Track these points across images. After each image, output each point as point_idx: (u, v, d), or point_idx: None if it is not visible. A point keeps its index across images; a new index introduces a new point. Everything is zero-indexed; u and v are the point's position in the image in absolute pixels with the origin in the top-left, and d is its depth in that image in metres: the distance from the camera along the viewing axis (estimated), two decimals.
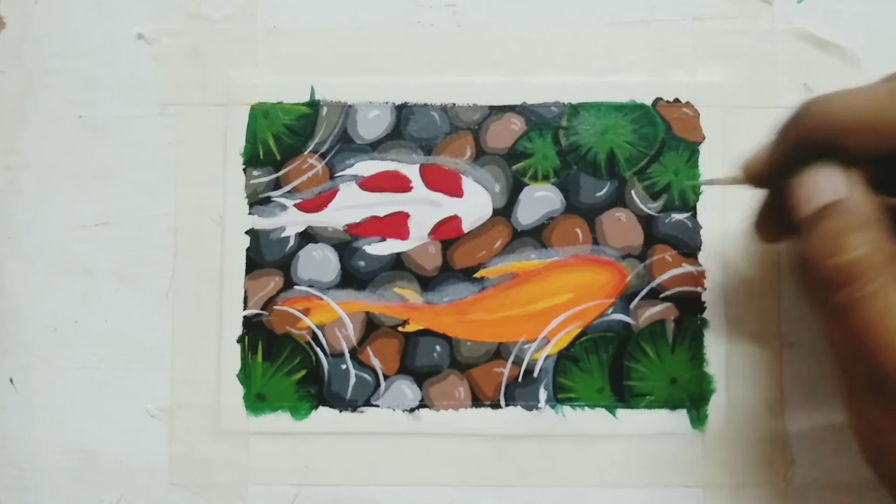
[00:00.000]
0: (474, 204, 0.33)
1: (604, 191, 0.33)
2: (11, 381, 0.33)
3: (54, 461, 0.32)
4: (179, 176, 0.33)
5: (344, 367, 0.32)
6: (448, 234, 0.33)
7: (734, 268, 0.32)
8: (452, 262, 0.33)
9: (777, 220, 0.27)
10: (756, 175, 0.27)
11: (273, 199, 0.33)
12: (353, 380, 0.32)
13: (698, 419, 0.32)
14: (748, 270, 0.32)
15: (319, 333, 0.32)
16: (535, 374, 0.32)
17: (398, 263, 0.33)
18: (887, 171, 0.24)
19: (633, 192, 0.33)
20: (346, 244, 0.33)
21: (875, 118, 0.23)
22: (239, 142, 0.33)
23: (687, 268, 0.32)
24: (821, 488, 0.32)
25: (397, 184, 0.33)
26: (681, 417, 0.32)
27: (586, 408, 0.32)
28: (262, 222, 0.33)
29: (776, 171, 0.26)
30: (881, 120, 0.23)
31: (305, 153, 0.33)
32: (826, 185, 0.24)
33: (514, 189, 0.33)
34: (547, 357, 0.32)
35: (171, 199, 0.33)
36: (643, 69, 0.33)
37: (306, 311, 0.32)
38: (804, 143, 0.25)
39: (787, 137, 0.25)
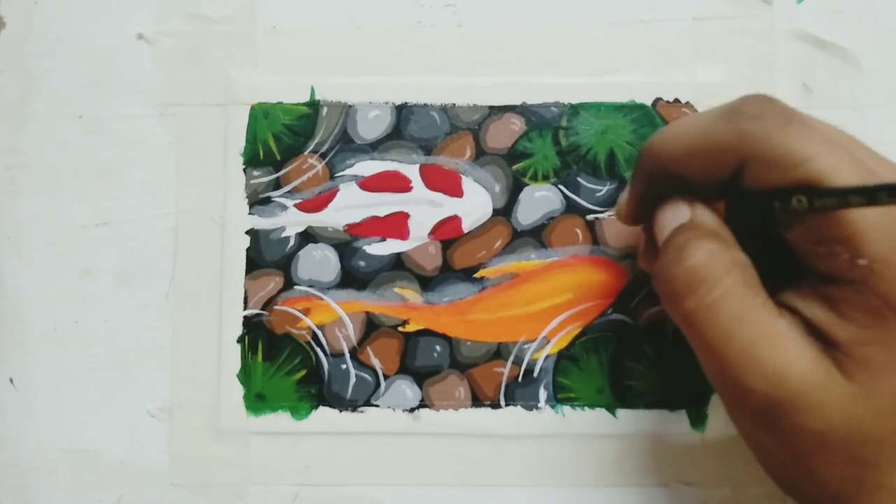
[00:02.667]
0: (474, 204, 0.33)
1: (604, 191, 0.33)
2: (11, 381, 0.33)
3: (54, 461, 0.32)
4: (179, 176, 0.33)
5: (344, 367, 0.32)
6: (448, 234, 0.33)
7: None
8: (452, 262, 0.33)
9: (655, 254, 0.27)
10: (625, 217, 0.28)
11: (273, 199, 0.33)
12: (353, 380, 0.32)
13: (698, 419, 0.32)
14: None
15: (319, 333, 0.32)
16: (535, 374, 0.32)
17: (398, 263, 0.33)
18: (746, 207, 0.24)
19: None
20: (346, 244, 0.33)
21: (700, 145, 0.23)
22: (239, 142, 0.33)
23: None
24: None
25: (397, 184, 0.33)
26: (681, 417, 0.32)
27: (586, 408, 0.32)
28: (262, 222, 0.33)
29: (641, 209, 0.27)
30: (706, 146, 0.23)
31: (305, 153, 0.33)
32: (673, 214, 0.25)
33: (514, 189, 0.33)
34: (547, 357, 0.32)
35: (171, 199, 0.33)
36: (643, 69, 0.33)
37: (306, 311, 0.32)
38: (650, 179, 0.25)
39: (638, 177, 0.26)
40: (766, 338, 0.22)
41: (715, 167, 0.23)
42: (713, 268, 0.22)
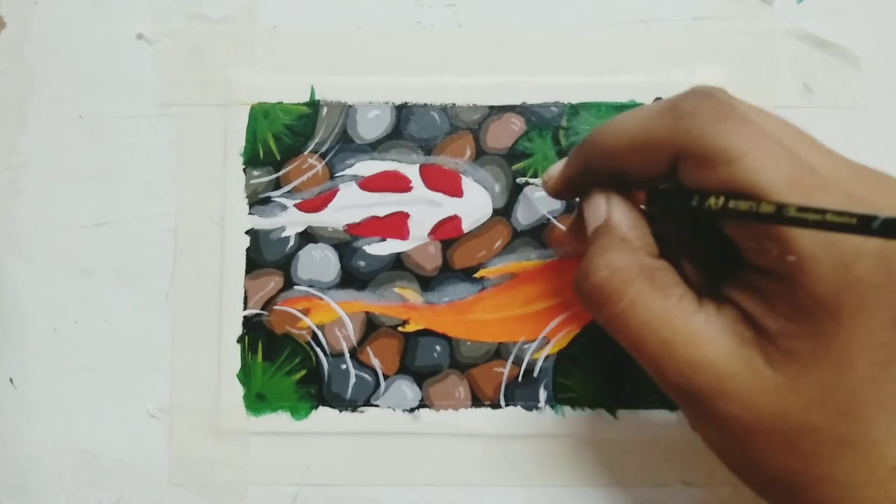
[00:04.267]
0: (474, 204, 0.33)
1: None
2: (11, 381, 0.33)
3: (54, 461, 0.32)
4: (179, 176, 0.33)
5: (344, 367, 0.32)
6: (448, 234, 0.33)
7: None
8: (452, 262, 0.33)
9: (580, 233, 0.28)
10: (552, 189, 0.28)
11: (273, 199, 0.33)
12: (353, 380, 0.32)
13: None
14: None
15: (319, 333, 0.32)
16: (535, 374, 0.32)
17: (398, 263, 0.33)
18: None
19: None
20: (346, 244, 0.33)
21: (640, 140, 0.24)
22: (239, 142, 0.33)
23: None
24: None
25: (397, 184, 0.33)
26: (681, 417, 0.32)
27: (586, 408, 0.32)
28: (262, 222, 0.33)
29: (569, 188, 0.27)
30: (645, 141, 0.24)
31: (305, 153, 0.33)
32: (593, 212, 0.26)
33: (514, 189, 0.33)
34: (547, 357, 0.32)
35: (171, 199, 0.33)
36: (643, 69, 0.33)
37: (306, 311, 0.32)
38: (588, 167, 0.26)
39: (576, 161, 0.27)
40: (678, 336, 0.23)
41: (651, 163, 0.24)
42: (615, 283, 0.23)
